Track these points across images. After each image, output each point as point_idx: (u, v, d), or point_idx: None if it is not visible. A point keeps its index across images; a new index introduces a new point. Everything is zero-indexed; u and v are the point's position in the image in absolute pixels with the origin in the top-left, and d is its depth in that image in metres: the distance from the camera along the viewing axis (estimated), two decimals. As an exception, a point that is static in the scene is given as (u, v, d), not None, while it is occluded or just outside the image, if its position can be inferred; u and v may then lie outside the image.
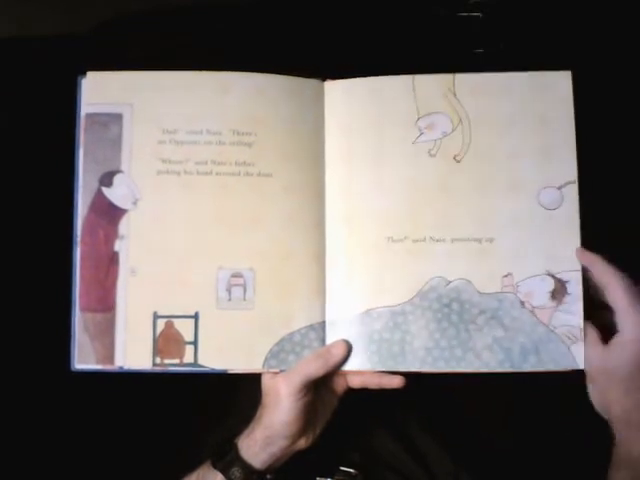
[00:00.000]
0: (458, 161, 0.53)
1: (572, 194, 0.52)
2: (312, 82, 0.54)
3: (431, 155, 0.53)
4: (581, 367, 0.50)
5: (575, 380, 0.50)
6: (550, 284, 0.51)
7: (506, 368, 0.51)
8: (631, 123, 0.64)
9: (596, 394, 0.49)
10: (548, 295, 0.51)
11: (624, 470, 0.47)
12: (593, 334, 0.49)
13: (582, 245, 0.51)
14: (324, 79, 0.54)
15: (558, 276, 0.51)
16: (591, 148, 0.53)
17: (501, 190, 0.52)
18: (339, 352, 0.50)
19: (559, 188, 0.52)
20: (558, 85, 0.52)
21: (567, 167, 0.52)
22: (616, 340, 0.47)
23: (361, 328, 0.51)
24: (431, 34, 0.67)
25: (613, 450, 0.48)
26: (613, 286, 0.48)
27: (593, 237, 0.51)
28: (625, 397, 0.47)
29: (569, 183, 0.52)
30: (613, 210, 0.61)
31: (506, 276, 0.52)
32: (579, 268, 0.51)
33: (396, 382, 0.51)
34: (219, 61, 0.54)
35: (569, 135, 0.52)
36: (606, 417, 0.49)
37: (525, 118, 0.53)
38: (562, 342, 0.50)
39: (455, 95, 0.53)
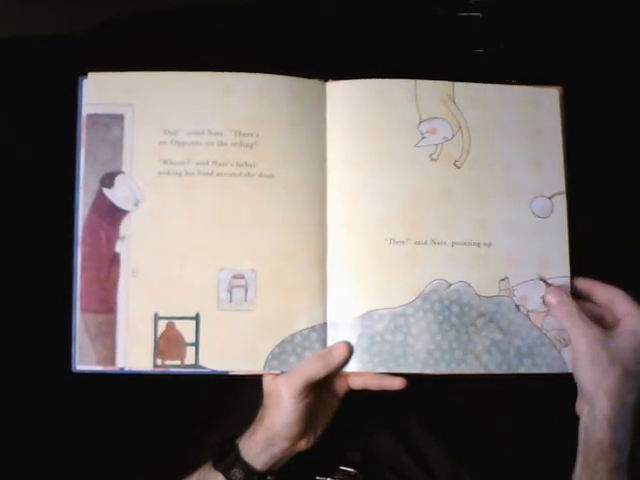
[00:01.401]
0: (458, 167, 0.53)
1: (561, 204, 0.53)
2: (314, 83, 0.54)
3: (432, 159, 0.53)
4: (570, 371, 0.51)
5: (573, 382, 0.50)
6: (542, 289, 0.53)
7: (503, 370, 0.52)
8: (620, 138, 0.65)
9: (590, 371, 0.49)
10: (540, 300, 0.52)
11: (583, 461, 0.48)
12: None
13: (570, 253, 0.53)
14: (326, 80, 0.54)
15: (549, 281, 0.53)
16: (581, 161, 0.54)
17: (498, 197, 0.53)
18: (340, 354, 0.51)
19: (550, 198, 0.54)
20: (548, 101, 0.54)
21: (556, 178, 0.54)
22: (623, 330, 0.49)
23: (362, 330, 0.51)
24: (431, 34, 0.67)
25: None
26: (620, 299, 0.50)
27: (582, 245, 0.53)
28: (618, 381, 0.47)
29: (559, 193, 0.54)
30: (601, 220, 0.63)
31: (503, 280, 0.53)
32: (568, 274, 0.53)
33: (397, 384, 0.51)
34: (221, 61, 0.54)
35: (558, 148, 0.54)
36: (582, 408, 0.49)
37: (519, 130, 0.54)
38: (554, 346, 0.52)
39: (454, 102, 0.54)
